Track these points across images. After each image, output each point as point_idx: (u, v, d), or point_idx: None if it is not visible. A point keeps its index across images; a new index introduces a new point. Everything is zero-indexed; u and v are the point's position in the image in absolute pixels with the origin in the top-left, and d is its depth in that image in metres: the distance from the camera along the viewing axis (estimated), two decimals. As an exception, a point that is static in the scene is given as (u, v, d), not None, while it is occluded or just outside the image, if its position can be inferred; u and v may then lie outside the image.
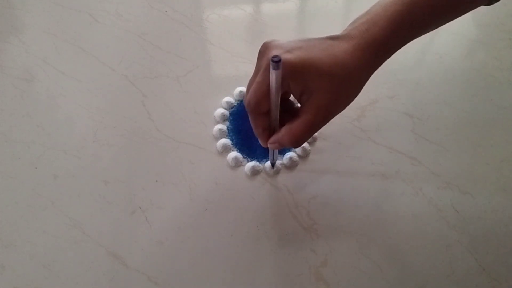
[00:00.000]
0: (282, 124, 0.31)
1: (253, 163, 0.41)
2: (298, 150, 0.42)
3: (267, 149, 0.42)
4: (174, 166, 0.41)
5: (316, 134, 0.43)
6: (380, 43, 0.28)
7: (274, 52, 0.28)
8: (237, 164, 0.41)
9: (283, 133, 0.30)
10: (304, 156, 0.42)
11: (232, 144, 0.42)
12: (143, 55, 0.49)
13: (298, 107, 0.32)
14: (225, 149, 0.41)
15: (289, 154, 0.41)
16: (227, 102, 0.45)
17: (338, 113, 0.30)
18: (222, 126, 0.43)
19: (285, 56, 0.27)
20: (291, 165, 0.41)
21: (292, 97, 0.32)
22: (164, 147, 0.42)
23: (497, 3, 0.33)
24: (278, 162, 0.41)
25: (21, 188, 0.40)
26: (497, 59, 0.49)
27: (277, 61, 0.25)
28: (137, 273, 0.36)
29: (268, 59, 0.27)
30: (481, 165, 0.41)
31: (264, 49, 0.29)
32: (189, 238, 0.37)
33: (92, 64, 0.49)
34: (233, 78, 0.47)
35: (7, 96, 0.46)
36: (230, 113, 0.45)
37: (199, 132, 0.43)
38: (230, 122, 0.44)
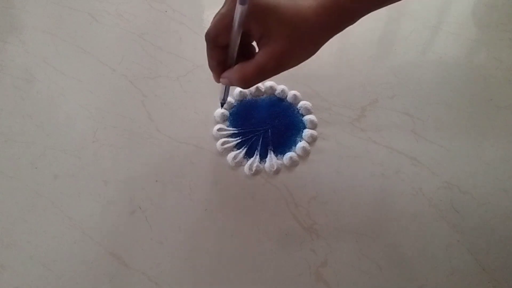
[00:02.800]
0: (237, 62, 0.31)
1: (253, 163, 0.41)
2: (298, 150, 0.42)
3: (267, 149, 0.42)
4: (174, 166, 0.41)
5: (316, 133, 0.43)
6: (344, 7, 0.29)
7: None
8: (237, 164, 0.41)
9: (235, 70, 0.30)
10: (304, 156, 0.42)
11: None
12: (143, 55, 0.49)
13: (253, 46, 0.32)
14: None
15: (289, 154, 0.41)
16: (227, 102, 0.45)
17: (292, 65, 0.30)
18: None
19: None
20: (291, 165, 0.41)
21: (254, 43, 0.32)
22: (164, 147, 0.42)
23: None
24: (278, 162, 0.41)
25: (21, 188, 0.40)
26: (497, 59, 0.49)
27: None
28: (137, 273, 0.36)
29: None
30: (481, 165, 0.41)
31: None
32: (189, 238, 0.37)
33: (92, 64, 0.49)
34: (233, 78, 0.47)
35: (7, 96, 0.46)
36: (230, 113, 0.45)
37: (199, 132, 0.43)
38: (230, 122, 0.44)
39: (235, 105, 0.45)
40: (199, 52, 0.50)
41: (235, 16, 0.27)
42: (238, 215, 0.38)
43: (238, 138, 0.43)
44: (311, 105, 0.45)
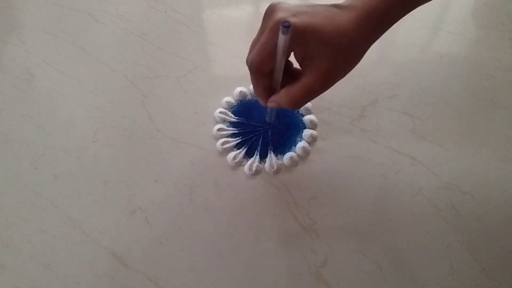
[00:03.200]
0: (281, 84, 0.32)
1: (253, 163, 0.41)
2: (298, 150, 0.42)
3: (267, 149, 0.42)
4: (174, 166, 0.41)
5: (316, 133, 0.43)
6: (381, 14, 0.29)
7: (280, 15, 0.28)
8: (237, 164, 0.41)
9: (282, 94, 0.31)
10: (304, 156, 0.42)
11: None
12: (143, 55, 0.49)
13: (296, 68, 0.33)
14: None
15: (289, 154, 0.41)
16: (227, 102, 0.45)
17: (337, 80, 0.30)
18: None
19: (291, 20, 0.27)
20: (291, 165, 0.41)
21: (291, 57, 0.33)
22: (164, 147, 0.42)
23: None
24: (278, 162, 0.41)
25: (21, 188, 0.40)
26: (497, 59, 0.49)
27: (287, 26, 0.25)
28: (137, 273, 0.36)
29: (274, 20, 0.28)
30: (481, 165, 0.41)
31: (270, 10, 0.30)
32: (189, 238, 0.37)
33: (92, 64, 0.49)
34: (233, 78, 0.47)
35: (7, 96, 0.46)
36: (231, 112, 0.45)
37: (199, 132, 0.43)
38: (230, 122, 0.44)
39: (235, 105, 0.45)
40: (199, 52, 0.50)
41: (278, 45, 0.28)
42: (238, 215, 0.38)
43: (238, 138, 0.43)
44: (311, 105, 0.45)
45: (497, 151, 0.42)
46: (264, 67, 0.30)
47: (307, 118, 0.44)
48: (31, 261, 0.36)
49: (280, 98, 0.31)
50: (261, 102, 0.34)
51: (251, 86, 0.46)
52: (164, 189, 0.40)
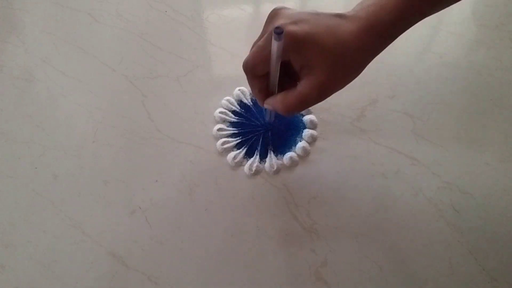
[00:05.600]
0: (280, 84, 0.31)
1: (253, 163, 0.41)
2: (298, 150, 0.42)
3: (267, 149, 0.42)
4: (174, 166, 0.41)
5: (316, 133, 0.43)
6: (385, 26, 0.28)
7: (281, 21, 0.28)
8: (237, 164, 0.41)
9: (278, 100, 0.31)
10: (304, 156, 0.42)
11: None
12: (143, 55, 0.49)
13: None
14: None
15: (289, 154, 0.41)
16: (227, 100, 0.45)
17: (334, 92, 0.30)
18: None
19: (290, 28, 0.27)
20: (291, 165, 0.41)
21: None
22: (164, 147, 0.42)
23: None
24: (278, 162, 0.41)
25: (21, 188, 0.40)
26: (497, 59, 0.49)
27: (279, 33, 0.25)
28: (137, 273, 0.36)
29: (273, 26, 0.28)
30: (481, 165, 0.41)
31: (272, 15, 0.30)
32: (189, 238, 0.37)
33: (92, 64, 0.49)
34: (233, 78, 0.47)
35: (7, 96, 0.46)
36: (231, 112, 0.44)
37: (199, 132, 0.43)
38: (230, 122, 0.44)
39: (235, 105, 0.45)
40: (199, 52, 0.50)
41: (272, 51, 0.27)
42: (238, 215, 0.38)
43: (238, 138, 0.43)
44: (311, 105, 0.45)
45: (497, 151, 0.42)
46: (257, 70, 0.30)
47: (307, 118, 0.44)
48: (31, 261, 0.36)
49: (275, 103, 0.31)
50: (258, 102, 0.34)
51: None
52: (164, 189, 0.40)
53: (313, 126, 0.43)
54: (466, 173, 0.41)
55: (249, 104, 0.45)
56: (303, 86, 0.29)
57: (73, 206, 0.39)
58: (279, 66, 0.29)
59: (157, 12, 0.54)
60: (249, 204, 0.39)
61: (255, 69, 0.30)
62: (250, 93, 0.46)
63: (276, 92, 0.32)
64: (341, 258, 0.36)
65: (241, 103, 0.45)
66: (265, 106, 0.33)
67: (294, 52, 0.28)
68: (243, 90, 0.46)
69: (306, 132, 0.43)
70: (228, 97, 0.45)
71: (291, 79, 0.32)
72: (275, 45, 0.26)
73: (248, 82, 0.32)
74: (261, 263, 0.36)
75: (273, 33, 0.25)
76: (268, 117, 0.40)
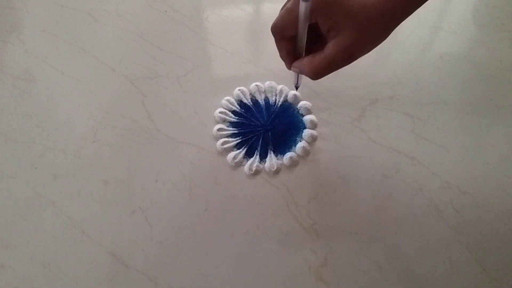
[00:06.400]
0: (308, 49, 0.31)
1: (253, 163, 0.41)
2: (298, 150, 0.42)
3: (267, 149, 0.42)
4: (174, 166, 0.41)
5: (316, 133, 0.43)
6: None
7: None
8: (237, 164, 0.41)
9: (305, 62, 0.31)
10: (304, 156, 0.42)
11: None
12: (143, 55, 0.49)
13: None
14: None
15: (289, 154, 0.41)
16: (227, 102, 0.45)
17: (361, 55, 0.30)
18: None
19: None
20: (291, 165, 0.41)
21: None
22: (164, 147, 0.42)
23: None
24: (278, 162, 0.41)
25: (21, 188, 0.40)
26: (497, 59, 0.49)
27: None
28: (137, 273, 0.36)
29: None
30: (481, 165, 0.41)
31: None
32: (189, 238, 0.37)
33: (92, 64, 0.49)
34: (233, 78, 0.47)
35: (7, 96, 0.46)
36: (231, 112, 0.44)
37: (199, 132, 0.43)
38: (230, 122, 0.44)
39: (235, 105, 0.45)
40: (199, 52, 0.50)
41: (299, 12, 0.28)
42: (238, 215, 0.38)
43: (238, 138, 0.43)
44: (311, 105, 0.45)
45: (497, 151, 0.42)
46: (286, 32, 0.30)
47: (307, 118, 0.44)
48: (31, 261, 0.36)
49: (302, 66, 0.31)
50: (286, 66, 0.34)
51: (251, 86, 0.46)
52: (164, 189, 0.40)
53: (313, 126, 0.43)
54: (466, 173, 0.41)
55: (249, 104, 0.45)
56: (330, 49, 0.29)
57: (73, 206, 0.39)
58: (306, 28, 0.29)
59: (157, 12, 0.54)
60: (249, 204, 0.39)
61: (284, 31, 0.30)
62: (250, 93, 0.46)
63: (304, 55, 0.32)
64: (341, 258, 0.36)
65: (241, 103, 0.45)
66: (293, 69, 0.33)
67: (321, 15, 0.28)
68: (243, 90, 0.46)
69: (306, 132, 0.43)
70: (228, 97, 0.45)
71: (319, 43, 0.31)
72: (303, 6, 0.27)
73: (276, 44, 0.32)
74: (261, 263, 0.36)
75: None
76: (296, 81, 0.38)
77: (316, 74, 0.30)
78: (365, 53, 0.30)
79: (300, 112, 0.45)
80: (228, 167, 0.41)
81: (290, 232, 0.38)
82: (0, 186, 0.40)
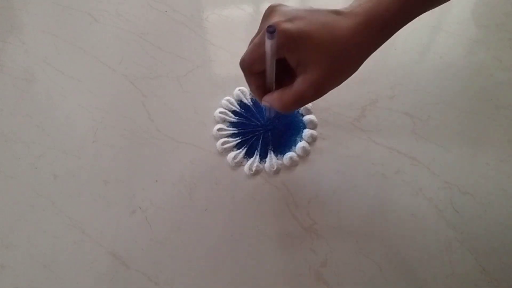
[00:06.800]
0: (279, 81, 0.31)
1: (253, 163, 0.41)
2: (298, 150, 0.42)
3: (267, 149, 0.42)
4: (174, 166, 0.41)
5: (316, 133, 0.43)
6: (383, 22, 0.28)
7: (276, 19, 0.28)
8: (237, 164, 0.41)
9: (275, 97, 0.31)
10: (304, 156, 0.42)
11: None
12: (143, 55, 0.49)
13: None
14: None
15: (289, 154, 0.41)
16: (227, 100, 0.45)
17: (331, 89, 0.30)
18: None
19: (285, 26, 0.27)
20: (291, 165, 0.41)
21: None
22: (164, 147, 0.42)
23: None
24: (278, 162, 0.41)
25: (21, 188, 0.40)
26: (497, 59, 0.49)
27: (271, 32, 0.25)
28: (137, 273, 0.36)
29: (269, 23, 0.28)
30: (481, 165, 0.41)
31: (268, 13, 0.29)
32: (189, 238, 0.37)
33: (92, 64, 0.49)
34: (233, 78, 0.47)
35: (7, 96, 0.46)
36: (231, 112, 0.44)
37: (199, 132, 0.43)
38: (230, 122, 0.44)
39: (235, 105, 0.45)
40: (199, 52, 0.50)
41: (266, 49, 0.27)
42: (238, 215, 0.38)
43: (238, 138, 0.43)
44: (311, 105, 0.45)
45: (497, 151, 0.42)
46: (254, 67, 0.30)
47: (307, 118, 0.44)
48: (31, 261, 0.36)
49: (272, 101, 0.31)
50: (257, 99, 0.34)
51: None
52: (164, 189, 0.40)
53: (313, 126, 0.43)
54: (466, 173, 0.41)
55: (249, 104, 0.45)
56: (299, 84, 0.29)
57: (73, 206, 0.39)
58: (274, 63, 0.29)
59: (157, 12, 0.54)
60: (249, 204, 0.39)
61: (252, 67, 0.30)
62: (250, 93, 0.46)
63: (274, 89, 0.32)
64: (341, 258, 0.36)
65: (241, 103, 0.45)
66: (263, 103, 0.33)
67: (288, 50, 0.28)
68: (243, 90, 0.46)
69: (306, 132, 0.43)
70: (228, 97, 0.45)
71: (289, 75, 0.31)
72: (268, 44, 0.26)
73: (246, 79, 0.32)
74: (261, 263, 0.36)
75: (265, 31, 0.25)
76: (268, 113, 0.40)
77: (286, 109, 0.30)
78: (336, 86, 0.30)
79: (300, 112, 0.45)
80: (228, 167, 0.41)
81: (290, 232, 0.38)
82: (0, 186, 0.40)
